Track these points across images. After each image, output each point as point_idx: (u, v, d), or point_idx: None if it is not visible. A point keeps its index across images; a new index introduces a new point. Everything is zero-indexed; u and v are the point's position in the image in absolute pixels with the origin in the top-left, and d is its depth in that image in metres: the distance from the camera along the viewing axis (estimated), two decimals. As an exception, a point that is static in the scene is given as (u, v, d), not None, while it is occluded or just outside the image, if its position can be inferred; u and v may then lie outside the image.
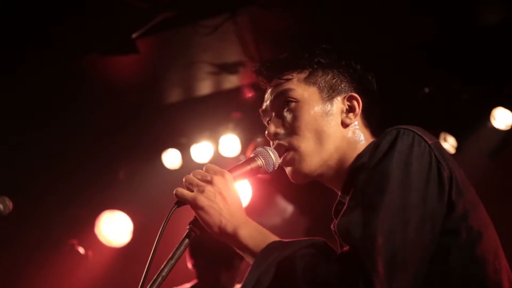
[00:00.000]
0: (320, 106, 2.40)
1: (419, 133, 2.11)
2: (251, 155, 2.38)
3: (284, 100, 2.42)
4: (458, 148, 6.16)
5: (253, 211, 7.12)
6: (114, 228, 6.80)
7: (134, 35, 5.04)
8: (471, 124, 6.05)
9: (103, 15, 4.75)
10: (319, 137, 2.36)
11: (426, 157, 2.07)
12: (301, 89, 2.42)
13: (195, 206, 2.17)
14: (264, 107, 2.51)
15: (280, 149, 2.40)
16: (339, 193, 2.41)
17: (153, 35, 5.17)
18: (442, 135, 6.12)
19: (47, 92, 6.06)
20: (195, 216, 2.24)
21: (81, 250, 6.83)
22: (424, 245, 1.99)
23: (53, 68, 5.65)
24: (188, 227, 2.25)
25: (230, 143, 6.66)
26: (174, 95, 6.84)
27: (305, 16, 5.22)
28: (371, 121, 2.46)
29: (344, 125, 2.40)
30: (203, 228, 2.23)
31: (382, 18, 5.41)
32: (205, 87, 6.60)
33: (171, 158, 6.90)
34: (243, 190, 7.04)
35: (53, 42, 5.12)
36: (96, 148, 6.77)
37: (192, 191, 2.19)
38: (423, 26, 5.50)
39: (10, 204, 3.56)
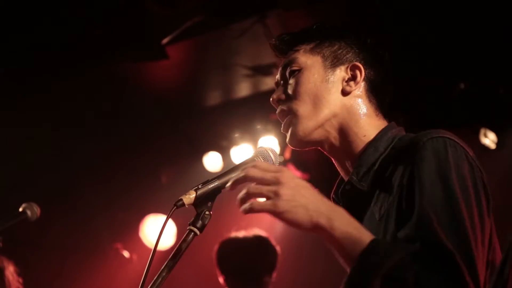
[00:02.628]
0: (321, 73, 2.45)
1: (461, 144, 2.16)
2: (252, 155, 2.39)
3: (290, 69, 2.49)
4: (498, 144, 6.07)
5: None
6: (158, 231, 6.89)
7: (164, 41, 5.12)
8: (510, 119, 5.95)
9: (132, 23, 4.83)
10: (317, 101, 2.41)
11: (475, 170, 2.13)
12: (305, 58, 2.48)
13: (278, 212, 2.00)
14: (276, 79, 2.58)
15: (282, 114, 2.46)
16: (343, 173, 2.44)
17: (184, 41, 5.23)
18: (482, 131, 6.04)
19: (90, 99, 6.18)
20: (195, 217, 2.26)
21: (126, 253, 6.94)
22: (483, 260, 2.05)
23: (92, 75, 5.78)
24: (188, 228, 2.28)
25: (269, 145, 6.67)
26: (213, 98, 6.90)
27: (335, 15, 5.21)
28: (377, 95, 2.49)
29: (345, 93, 2.44)
30: (203, 228, 2.26)
31: (415, 14, 5.37)
32: (242, 89, 6.64)
33: (212, 161, 6.95)
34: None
35: (91, 51, 5.25)
36: (138, 153, 6.87)
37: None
38: (458, 21, 5.44)
39: (37, 210, 3.67)
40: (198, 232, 2.26)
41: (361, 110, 2.43)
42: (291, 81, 2.47)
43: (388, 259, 1.93)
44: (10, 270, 4.78)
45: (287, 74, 2.50)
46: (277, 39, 2.58)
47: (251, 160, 2.39)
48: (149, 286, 2.17)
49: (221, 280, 4.89)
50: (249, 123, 6.74)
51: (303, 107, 2.40)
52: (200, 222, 2.28)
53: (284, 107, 2.44)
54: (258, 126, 6.72)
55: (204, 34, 5.27)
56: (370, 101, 2.46)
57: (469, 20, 5.42)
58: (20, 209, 3.61)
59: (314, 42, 2.51)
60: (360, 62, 2.46)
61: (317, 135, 2.41)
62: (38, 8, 4.81)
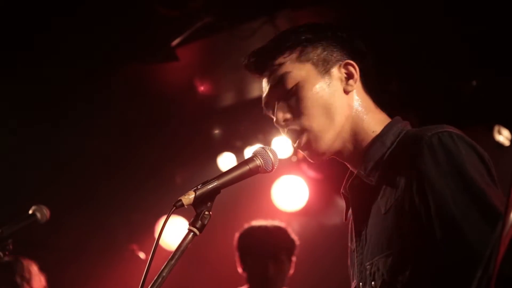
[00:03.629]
0: (320, 80, 2.38)
1: (464, 135, 2.16)
2: (250, 155, 2.39)
3: (283, 85, 2.39)
4: (513, 140, 6.04)
5: (311, 212, 7.20)
6: (174, 232, 6.92)
7: (173, 43, 5.14)
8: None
9: (141, 26, 4.86)
10: (328, 111, 2.36)
11: (486, 161, 2.13)
12: (297, 69, 2.39)
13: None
14: (265, 99, 2.49)
15: (293, 134, 2.40)
16: (354, 169, 2.42)
17: (194, 42, 5.25)
18: (496, 128, 6.01)
19: (106, 101, 6.22)
20: (194, 217, 2.29)
21: (141, 255, 6.98)
22: None
23: (106, 78, 5.83)
24: (188, 228, 2.29)
25: (282, 145, 6.69)
26: (226, 99, 6.91)
27: (344, 13, 5.20)
28: (369, 84, 2.46)
29: (347, 92, 2.40)
30: (202, 228, 2.28)
31: (426, 11, 5.35)
32: (255, 89, 6.63)
33: (226, 162, 6.97)
34: (299, 191, 7.08)
35: (101, 55, 5.30)
36: (152, 155, 6.90)
37: None
38: (469, 18, 5.41)
39: (47, 213, 3.69)
40: (197, 232, 2.28)
41: (364, 107, 2.41)
42: (292, 98, 2.37)
43: None
44: (35, 270, 4.85)
45: (281, 91, 2.40)
46: (253, 55, 2.46)
47: (250, 160, 2.40)
48: (150, 285, 2.18)
49: (240, 269, 5.01)
50: (262, 123, 6.74)
51: (316, 121, 2.34)
52: (199, 222, 2.30)
53: (295, 127, 2.37)
54: (272, 127, 6.71)
55: (214, 35, 5.29)
56: (368, 94, 2.45)
57: (481, 16, 5.38)
58: (30, 212, 3.64)
59: (295, 50, 2.42)
60: (348, 58, 2.42)
61: (337, 144, 2.38)
62: (48, 15, 4.86)
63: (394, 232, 2.20)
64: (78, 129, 6.38)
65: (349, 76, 2.41)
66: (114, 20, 4.84)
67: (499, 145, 5.95)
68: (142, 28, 5.02)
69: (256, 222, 5.15)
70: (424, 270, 2.13)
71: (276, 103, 2.42)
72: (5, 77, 5.63)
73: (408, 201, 2.15)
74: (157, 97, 6.31)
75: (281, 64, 2.40)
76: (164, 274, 2.23)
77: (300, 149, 2.41)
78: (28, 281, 4.82)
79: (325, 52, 2.42)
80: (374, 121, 2.40)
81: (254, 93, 6.81)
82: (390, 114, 2.47)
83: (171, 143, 6.83)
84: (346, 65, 2.41)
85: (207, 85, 6.19)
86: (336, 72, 2.41)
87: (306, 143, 2.37)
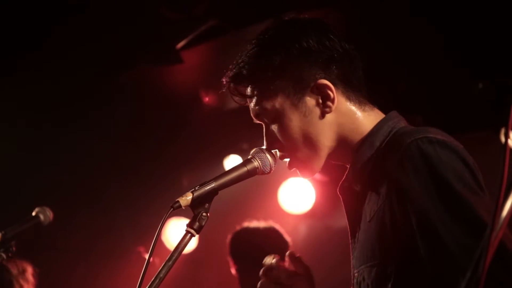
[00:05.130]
0: (295, 112, 2.31)
1: (449, 140, 2.09)
2: (249, 157, 2.39)
3: (263, 119, 2.38)
4: (520, 143, 6.00)
5: (318, 214, 7.18)
6: (180, 235, 6.93)
7: (178, 46, 5.15)
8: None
9: (147, 28, 4.88)
10: (309, 141, 2.31)
11: (470, 167, 2.06)
12: (270, 103, 2.33)
13: None
14: (252, 113, 2.46)
15: (283, 158, 2.39)
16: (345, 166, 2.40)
17: (199, 45, 5.26)
18: (502, 131, 5.98)
19: (112, 104, 6.25)
20: (192, 218, 2.30)
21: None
22: None
23: (111, 81, 5.86)
24: (185, 229, 2.31)
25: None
26: (232, 101, 6.89)
27: (349, 16, 5.20)
28: (351, 86, 2.36)
29: (324, 115, 2.31)
30: (200, 229, 2.29)
31: (432, 12, 5.34)
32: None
33: (232, 164, 6.94)
34: (306, 194, 7.07)
35: (105, 57, 5.32)
36: (160, 157, 6.91)
37: None
38: (475, 20, 5.40)
39: (50, 215, 3.72)
40: (195, 234, 2.29)
41: (350, 117, 2.33)
42: (274, 129, 2.35)
43: None
44: (30, 272, 4.85)
45: (263, 121, 2.39)
46: (229, 80, 2.42)
47: (248, 161, 2.40)
48: (147, 287, 2.20)
49: (233, 271, 4.99)
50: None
51: (300, 153, 2.32)
52: (197, 223, 2.32)
53: (283, 153, 2.37)
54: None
55: (219, 38, 5.29)
56: (350, 101, 2.35)
57: (486, 18, 5.37)
58: (33, 214, 3.66)
59: (264, 81, 2.32)
60: (319, 75, 2.31)
61: (324, 161, 2.35)
62: (51, 16, 4.89)
63: (376, 243, 2.18)
64: (86, 131, 6.40)
65: (325, 97, 2.31)
66: (120, 23, 4.86)
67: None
68: (148, 31, 5.04)
69: (248, 224, 5.12)
70: (407, 283, 2.11)
71: (262, 126, 2.42)
72: (14, 78, 5.67)
73: (389, 212, 2.11)
74: (164, 100, 6.33)
75: (254, 96, 2.37)
76: (161, 275, 2.25)
77: (290, 169, 2.41)
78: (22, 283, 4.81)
79: (294, 77, 2.31)
80: (364, 122, 2.33)
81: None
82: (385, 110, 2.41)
83: (178, 145, 6.84)
84: (318, 87, 2.30)
85: (212, 96, 6.19)
86: (311, 97, 2.31)
87: (294, 165, 2.38)
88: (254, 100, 2.38)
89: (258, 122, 2.44)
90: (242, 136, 6.90)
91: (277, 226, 5.12)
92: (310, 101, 2.32)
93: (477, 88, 5.67)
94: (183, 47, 5.20)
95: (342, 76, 2.34)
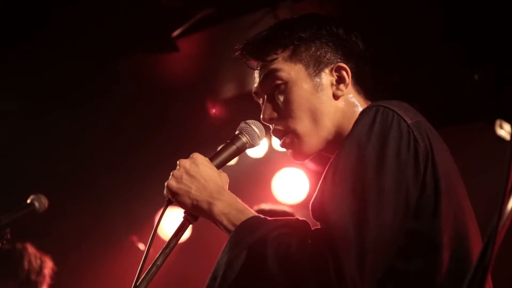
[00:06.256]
0: (309, 83, 2.32)
1: (399, 112, 2.07)
2: (236, 133, 2.40)
3: (273, 82, 2.34)
4: (514, 134, 6.02)
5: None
6: (173, 224, 6.91)
7: (174, 34, 5.12)
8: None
9: (142, 16, 4.85)
10: (314, 116, 2.30)
11: (404, 139, 2.02)
12: (288, 68, 2.33)
13: (169, 193, 2.24)
14: (254, 89, 2.46)
15: (278, 133, 2.36)
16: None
17: (194, 33, 5.23)
18: (497, 122, 5.99)
19: (105, 92, 6.22)
20: None
21: (141, 246, 6.98)
22: (395, 229, 1.96)
23: (104, 68, 5.83)
24: (183, 217, 2.29)
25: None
26: (226, 91, 6.89)
27: (347, 4, 5.18)
28: (363, 84, 2.41)
29: (336, 97, 2.34)
30: (197, 218, 2.27)
31: (430, 4, 5.33)
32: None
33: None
34: (300, 184, 7.07)
35: (100, 44, 5.29)
36: (153, 146, 6.89)
37: None
38: (471, 11, 5.39)
39: (45, 202, 3.70)
40: (192, 221, 2.28)
41: (354, 107, 2.35)
42: (280, 97, 2.33)
43: (251, 234, 1.99)
44: (49, 267, 4.84)
45: (270, 88, 2.37)
46: (247, 45, 2.42)
47: (236, 138, 2.40)
48: (144, 274, 2.18)
49: None
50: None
51: (301, 125, 2.30)
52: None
53: (280, 127, 2.34)
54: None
55: (215, 26, 5.26)
56: (359, 93, 2.39)
57: (483, 10, 5.37)
58: (28, 201, 3.65)
59: (289, 47, 2.35)
60: (341, 59, 2.36)
61: (322, 146, 2.34)
62: (46, 5, 4.85)
63: None
64: (79, 119, 6.38)
65: (340, 80, 2.35)
66: (115, 10, 4.82)
67: (501, 139, 5.93)
68: (143, 18, 5.01)
69: (265, 205, 5.12)
70: None
71: (264, 97, 2.39)
72: (7, 66, 5.63)
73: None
74: (158, 88, 6.30)
75: (273, 60, 2.35)
76: (158, 263, 2.23)
77: (283, 147, 2.39)
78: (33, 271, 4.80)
79: (318, 53, 2.35)
80: None
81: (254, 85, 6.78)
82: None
83: (170, 134, 6.82)
84: (338, 69, 2.35)
85: (218, 108, 6.17)
86: (327, 75, 2.35)
87: (290, 143, 2.35)
88: (271, 64, 2.35)
89: (259, 94, 2.44)
90: (236, 125, 6.86)
91: (292, 211, 5.12)
92: (326, 79, 2.35)
93: (472, 80, 5.67)
94: (179, 35, 5.17)
95: (356, 70, 2.38)
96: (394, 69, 5.57)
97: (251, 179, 6.51)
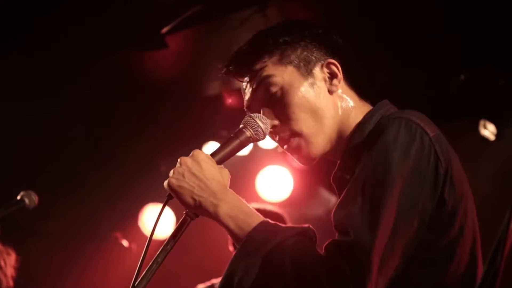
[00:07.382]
0: (304, 83, 2.32)
1: (422, 124, 2.08)
2: (240, 127, 2.34)
3: (267, 89, 2.32)
4: (498, 135, 6.07)
5: (295, 203, 7.20)
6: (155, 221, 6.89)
7: (163, 31, 5.11)
8: (510, 110, 5.95)
9: (131, 12, 4.83)
10: (316, 114, 2.30)
11: (426, 152, 2.04)
12: (280, 72, 2.32)
13: (169, 191, 2.20)
14: (247, 103, 2.42)
15: (283, 141, 2.34)
16: (338, 161, 2.38)
17: (183, 30, 5.22)
18: (481, 122, 6.03)
19: (90, 88, 6.19)
20: None
21: (125, 243, 6.96)
22: (411, 241, 2.00)
23: (92, 65, 5.80)
24: (184, 213, 2.28)
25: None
26: (213, 88, 6.89)
27: (336, 4, 5.19)
28: (352, 79, 2.41)
29: (331, 93, 2.34)
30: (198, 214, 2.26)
31: (412, 5, 5.36)
32: (242, 79, 6.61)
33: (211, 151, 6.91)
34: (284, 182, 7.08)
35: (89, 40, 5.26)
36: (138, 142, 6.87)
37: None
38: (456, 12, 5.43)
39: (35, 199, 3.70)
40: (194, 217, 2.27)
41: (350, 103, 2.36)
42: (278, 103, 2.31)
43: (267, 242, 1.98)
44: (12, 259, 4.79)
45: (265, 96, 2.34)
46: (231, 62, 2.40)
47: (240, 132, 2.33)
48: (144, 271, 2.17)
49: (231, 248, 4.98)
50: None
51: (305, 125, 2.29)
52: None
53: (284, 134, 2.32)
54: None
55: (204, 24, 5.26)
56: (350, 88, 2.40)
57: (469, 10, 5.41)
58: (18, 197, 3.64)
59: (275, 52, 2.34)
60: (328, 56, 2.37)
61: (327, 145, 2.33)
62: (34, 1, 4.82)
63: None
64: (66, 116, 6.35)
65: (332, 75, 2.36)
66: (104, 6, 4.80)
67: (485, 139, 5.98)
68: (132, 14, 4.99)
69: (255, 205, 5.12)
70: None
71: (260, 108, 2.35)
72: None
73: None
74: (145, 85, 6.28)
75: (262, 68, 2.33)
76: (159, 259, 2.21)
77: (289, 153, 2.36)
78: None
79: (305, 53, 2.36)
80: (359, 111, 2.36)
81: (240, 84, 6.79)
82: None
83: (157, 131, 6.81)
84: (328, 65, 2.36)
85: (235, 98, 6.16)
86: (319, 72, 2.35)
87: (296, 147, 2.33)
88: (261, 73, 2.33)
89: (252, 108, 2.39)
90: (222, 123, 6.88)
91: (281, 212, 5.13)
92: (319, 76, 2.35)
93: (458, 80, 5.71)
94: (168, 32, 5.16)
95: (347, 67, 2.39)
96: (380, 68, 5.59)
97: (235, 177, 6.48)
